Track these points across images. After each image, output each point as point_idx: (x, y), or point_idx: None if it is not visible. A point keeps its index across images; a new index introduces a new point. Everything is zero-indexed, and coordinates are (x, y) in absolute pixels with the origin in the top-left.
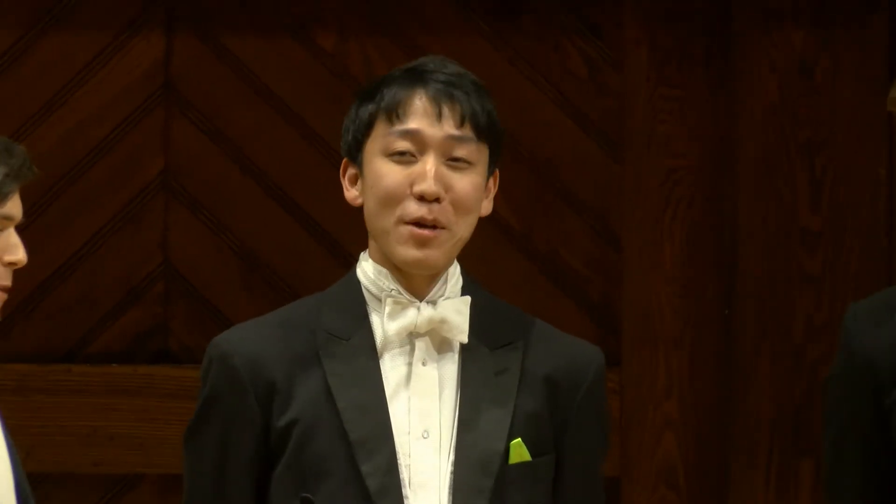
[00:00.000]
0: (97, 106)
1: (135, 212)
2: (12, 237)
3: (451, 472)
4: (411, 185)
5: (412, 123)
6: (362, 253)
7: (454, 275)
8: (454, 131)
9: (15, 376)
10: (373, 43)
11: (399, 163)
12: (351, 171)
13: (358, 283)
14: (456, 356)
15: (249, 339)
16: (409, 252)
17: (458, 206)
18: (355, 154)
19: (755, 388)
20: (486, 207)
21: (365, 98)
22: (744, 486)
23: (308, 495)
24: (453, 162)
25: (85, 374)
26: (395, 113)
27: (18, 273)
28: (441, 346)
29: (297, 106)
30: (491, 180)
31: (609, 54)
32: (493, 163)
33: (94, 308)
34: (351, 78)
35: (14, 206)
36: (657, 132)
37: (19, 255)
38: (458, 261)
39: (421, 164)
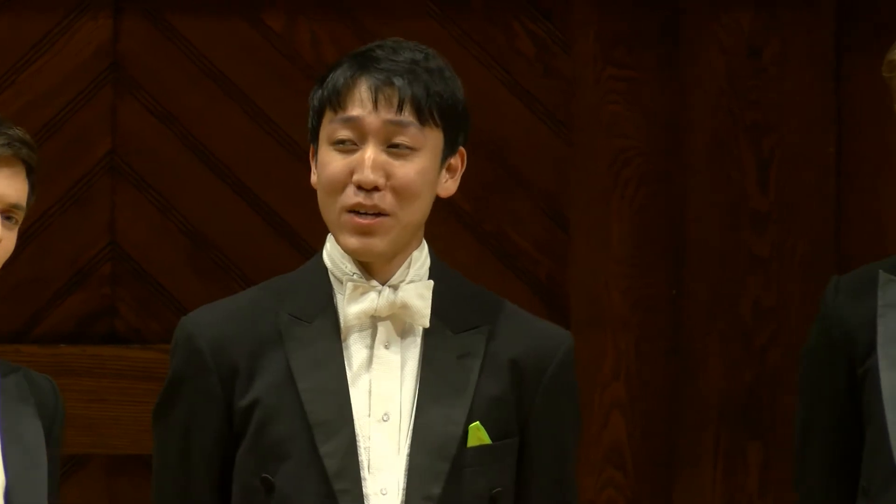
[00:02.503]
0: (44, 87)
1: (82, 193)
2: None
3: (408, 455)
4: (351, 174)
5: (351, 111)
6: (329, 235)
7: (419, 258)
8: (392, 117)
9: None
10: (321, 24)
11: (341, 151)
12: (316, 157)
13: (324, 266)
14: (419, 340)
15: (215, 321)
16: (351, 240)
17: (400, 193)
18: (314, 140)
19: (703, 369)
20: (449, 188)
21: (318, 84)
22: (691, 469)
23: (268, 475)
24: (394, 149)
25: (34, 355)
26: (337, 101)
27: None
28: (404, 329)
29: (245, 87)
30: (456, 159)
31: (558, 35)
32: (453, 144)
33: (43, 289)
34: (300, 59)
35: None
36: (606, 113)
37: None
38: None
39: (360, 153)
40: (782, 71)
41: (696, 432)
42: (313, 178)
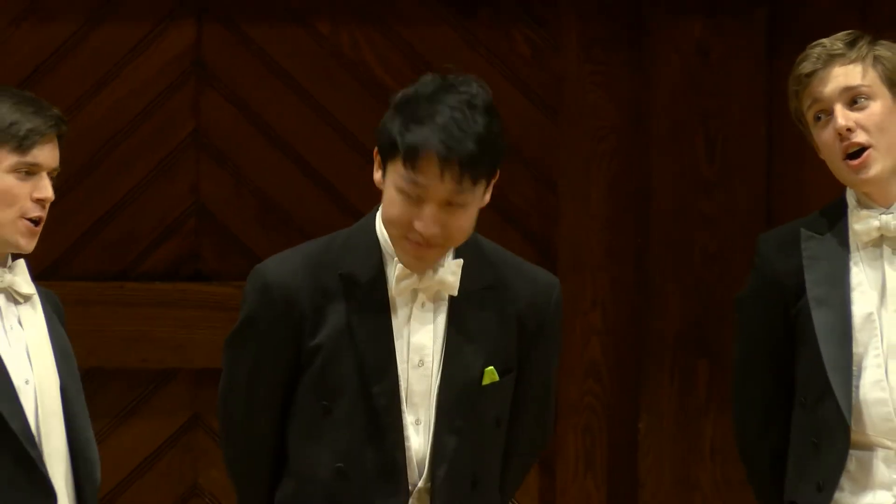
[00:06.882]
0: (141, 80)
1: (172, 163)
2: (42, 180)
3: (437, 394)
4: (412, 219)
5: (420, 178)
6: (380, 209)
7: None
8: (453, 188)
9: (78, 292)
10: (360, 30)
11: (405, 200)
12: (381, 162)
13: (376, 238)
14: (446, 302)
15: (287, 275)
16: (407, 259)
17: (451, 238)
18: (383, 160)
19: (662, 303)
20: (486, 200)
21: (396, 115)
22: (653, 381)
23: (327, 403)
24: (450, 206)
25: (134, 290)
26: (409, 162)
27: (83, 209)
28: (437, 294)
29: (301, 80)
30: (494, 178)
31: (548, 40)
32: (493, 177)
33: (142, 238)
34: (344, 57)
35: (41, 155)
36: (586, 101)
37: (45, 192)
38: None
39: (422, 207)
40: (725, 67)
41: (656, 353)
42: (377, 177)
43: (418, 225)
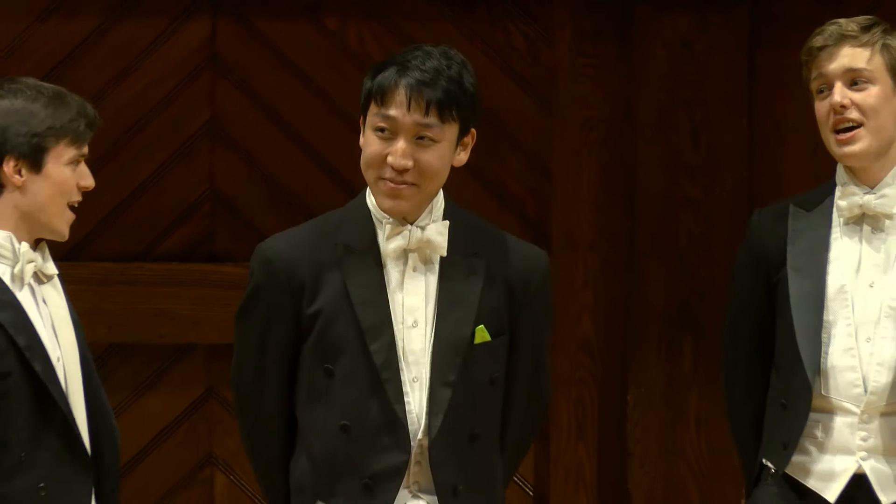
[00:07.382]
0: (160, 72)
1: (189, 151)
2: (85, 169)
3: (432, 352)
4: (386, 156)
5: (390, 110)
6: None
7: (437, 203)
8: (420, 119)
9: (102, 272)
10: (366, 25)
11: (380, 138)
12: (364, 126)
13: (367, 208)
14: (437, 265)
15: (286, 248)
16: (384, 202)
17: (423, 172)
18: (364, 112)
19: (650, 282)
20: (462, 159)
21: (372, 75)
22: (641, 355)
23: (329, 365)
24: (421, 140)
25: (153, 270)
26: (380, 99)
27: (105, 194)
28: (427, 257)
29: (310, 72)
30: (468, 137)
31: (542, 34)
32: (467, 129)
33: (160, 221)
34: (350, 51)
35: (86, 148)
36: (577, 92)
37: (91, 181)
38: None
39: (395, 142)
40: (708, 60)
41: (644, 328)
42: (362, 140)
43: (391, 159)
